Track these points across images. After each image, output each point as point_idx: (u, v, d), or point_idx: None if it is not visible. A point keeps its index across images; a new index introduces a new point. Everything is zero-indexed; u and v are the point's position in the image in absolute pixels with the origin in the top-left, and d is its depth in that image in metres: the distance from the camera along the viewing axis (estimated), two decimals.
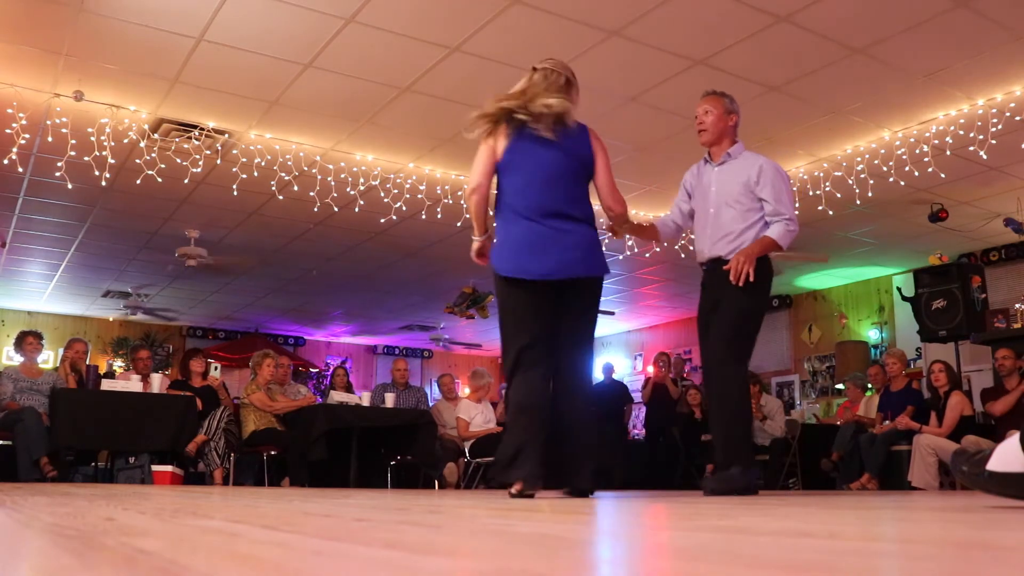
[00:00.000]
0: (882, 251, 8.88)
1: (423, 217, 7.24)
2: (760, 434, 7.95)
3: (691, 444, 8.30)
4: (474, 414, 7.51)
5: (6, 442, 6.09)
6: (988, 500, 2.06)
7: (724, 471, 3.70)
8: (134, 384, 6.48)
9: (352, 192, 6.72)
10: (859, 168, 6.42)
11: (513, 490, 3.07)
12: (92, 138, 5.68)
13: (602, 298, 3.72)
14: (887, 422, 6.84)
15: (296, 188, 6.69)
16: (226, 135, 5.98)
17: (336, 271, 9.64)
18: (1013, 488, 1.85)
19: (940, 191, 6.89)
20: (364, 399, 7.39)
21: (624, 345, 13.36)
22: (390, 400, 7.31)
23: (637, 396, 10.29)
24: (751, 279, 3.69)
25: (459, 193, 6.99)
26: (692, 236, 4.29)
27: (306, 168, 6.47)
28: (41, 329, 7.24)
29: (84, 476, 6.64)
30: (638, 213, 7.82)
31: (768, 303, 3.98)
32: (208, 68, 5.09)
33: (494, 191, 3.53)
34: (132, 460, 6.17)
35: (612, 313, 11.54)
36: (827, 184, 6.65)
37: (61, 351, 7.18)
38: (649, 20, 4.56)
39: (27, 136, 5.61)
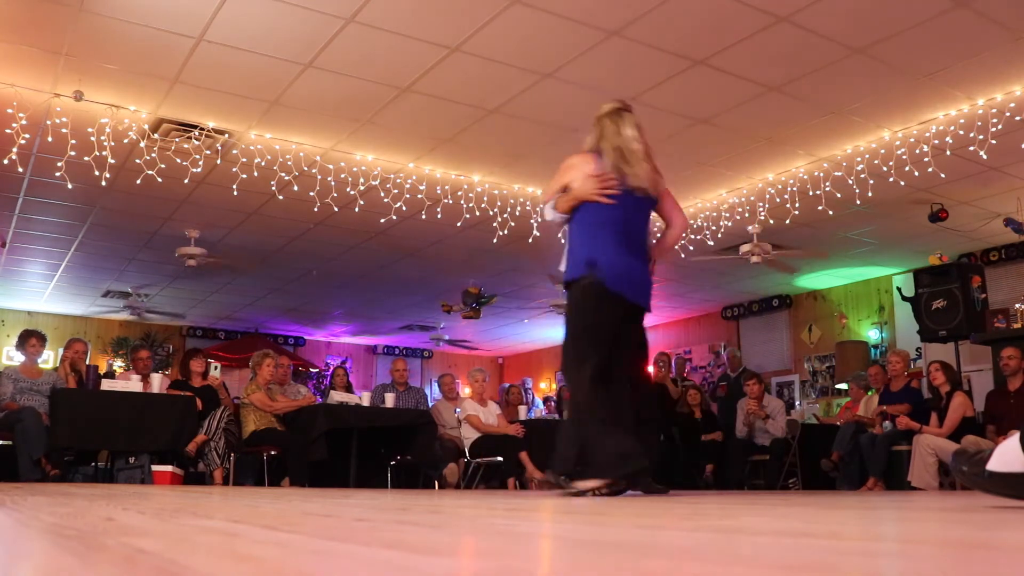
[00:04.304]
0: (882, 251, 8.88)
1: (423, 217, 7.24)
2: (761, 434, 7.95)
3: (691, 444, 8.30)
4: (480, 411, 7.50)
5: (6, 442, 6.09)
6: (988, 500, 2.06)
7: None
8: (134, 384, 6.47)
9: (352, 192, 6.72)
10: (859, 168, 6.42)
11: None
12: (92, 138, 5.68)
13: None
14: (887, 422, 6.85)
15: (296, 188, 6.69)
16: (226, 135, 5.98)
17: (336, 271, 9.63)
18: (1013, 488, 1.85)
19: (940, 191, 6.89)
20: (364, 399, 7.38)
21: None
22: (390, 400, 7.30)
23: None
24: None
25: (459, 193, 6.99)
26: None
27: (306, 168, 6.47)
28: (41, 329, 7.23)
29: (84, 476, 6.64)
30: None
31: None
32: (208, 68, 5.09)
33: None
34: (132, 460, 6.17)
35: None
36: (827, 184, 6.64)
37: (61, 351, 7.18)
38: (649, 20, 4.55)
39: (27, 136, 5.60)
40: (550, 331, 13.11)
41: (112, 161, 5.89)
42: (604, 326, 3.56)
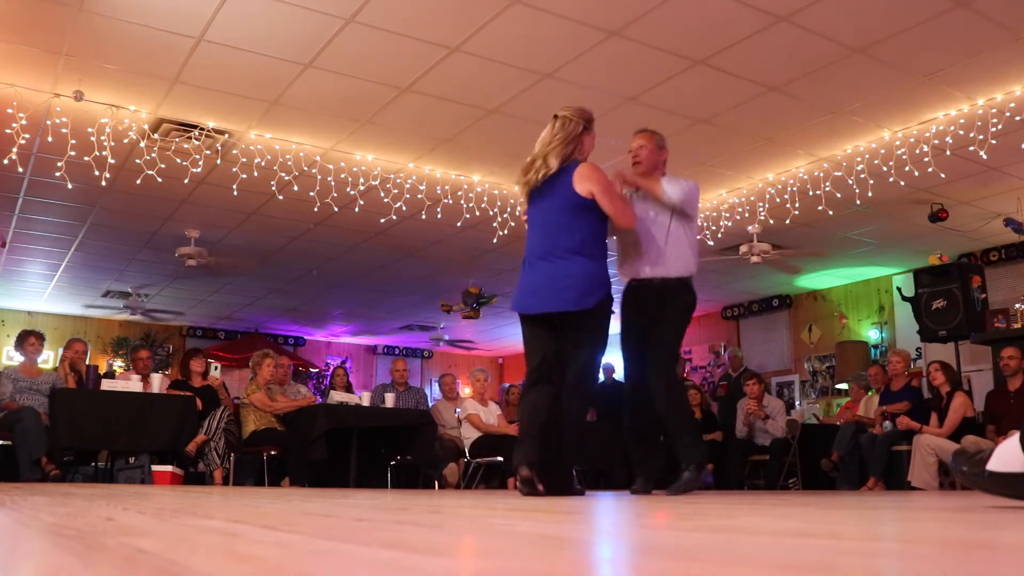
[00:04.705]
0: (882, 251, 8.88)
1: (423, 217, 7.24)
2: (761, 434, 7.95)
3: None
4: (481, 411, 7.50)
5: (6, 442, 6.09)
6: (988, 500, 2.06)
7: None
8: (134, 384, 6.47)
9: (352, 192, 6.72)
10: (859, 168, 6.42)
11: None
12: (92, 138, 5.68)
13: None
14: (887, 422, 6.85)
15: (296, 188, 6.69)
16: (226, 135, 5.98)
17: (336, 271, 9.64)
18: (1013, 488, 1.85)
19: (940, 191, 6.89)
20: (364, 399, 7.38)
21: None
22: (390, 400, 7.30)
23: None
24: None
25: (459, 193, 7.00)
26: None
27: (306, 168, 6.47)
28: (41, 329, 7.23)
29: (84, 476, 6.64)
30: None
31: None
32: (208, 68, 5.09)
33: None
34: (132, 460, 6.17)
35: (612, 313, 11.53)
36: (827, 184, 6.65)
37: (61, 351, 7.18)
38: (649, 20, 4.55)
39: (27, 136, 5.60)
40: None
41: (112, 161, 5.89)
42: (527, 345, 3.82)
